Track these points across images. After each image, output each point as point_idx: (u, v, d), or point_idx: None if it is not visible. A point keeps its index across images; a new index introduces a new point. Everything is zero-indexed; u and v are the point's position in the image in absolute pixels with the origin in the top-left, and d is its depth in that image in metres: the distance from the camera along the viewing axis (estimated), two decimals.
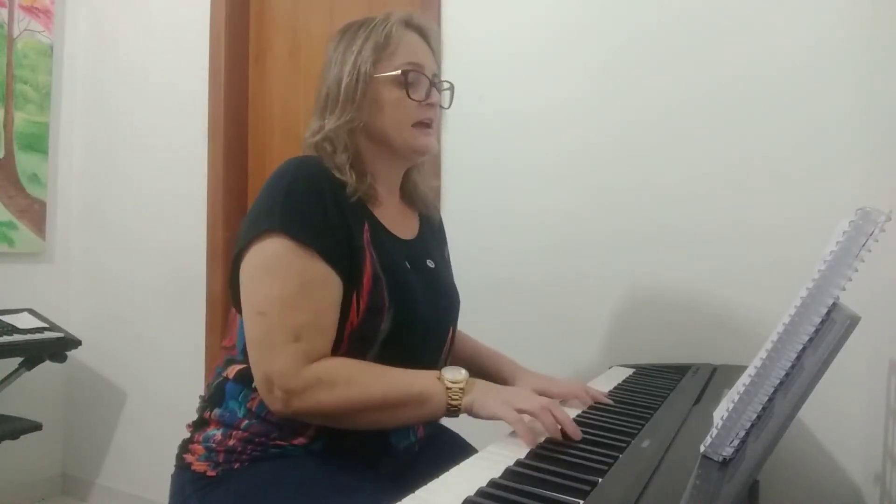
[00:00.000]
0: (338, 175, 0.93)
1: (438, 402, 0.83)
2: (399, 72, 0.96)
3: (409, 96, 0.96)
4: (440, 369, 0.87)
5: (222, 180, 2.11)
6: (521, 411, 0.79)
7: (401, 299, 0.92)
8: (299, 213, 0.86)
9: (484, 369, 1.13)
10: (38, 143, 2.38)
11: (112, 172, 2.42)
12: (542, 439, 0.77)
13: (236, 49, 2.16)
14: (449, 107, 1.10)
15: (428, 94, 0.98)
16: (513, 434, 0.79)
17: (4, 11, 2.27)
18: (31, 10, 2.35)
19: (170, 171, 2.26)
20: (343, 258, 0.87)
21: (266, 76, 2.15)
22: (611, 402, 0.97)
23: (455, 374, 0.85)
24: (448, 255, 1.21)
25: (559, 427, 0.77)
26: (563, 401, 0.99)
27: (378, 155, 0.99)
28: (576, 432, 0.77)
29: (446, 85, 1.07)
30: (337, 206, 0.89)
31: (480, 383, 0.86)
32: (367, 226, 0.93)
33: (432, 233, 1.14)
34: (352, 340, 0.89)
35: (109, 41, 2.45)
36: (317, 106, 1.00)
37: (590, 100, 1.51)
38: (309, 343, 0.83)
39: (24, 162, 2.33)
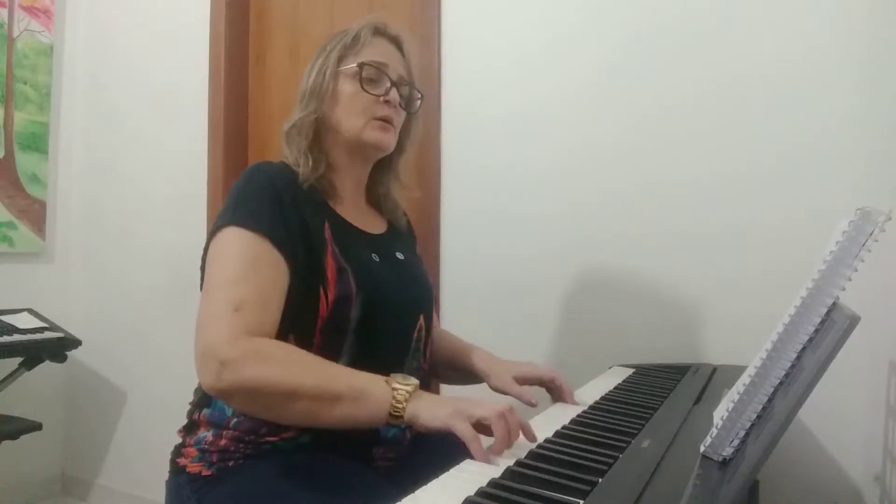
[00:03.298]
0: (295, 168, 0.97)
1: (379, 401, 0.76)
2: (356, 65, 1.00)
3: (362, 89, 0.99)
4: (409, 358, 0.87)
5: (222, 180, 2.11)
6: (475, 420, 0.73)
7: (369, 285, 0.93)
8: (251, 205, 0.89)
9: (460, 367, 1.13)
10: (38, 143, 2.38)
11: (112, 172, 2.42)
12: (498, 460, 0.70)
13: (236, 49, 2.16)
14: (415, 112, 1.10)
15: (386, 92, 1.00)
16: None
17: (4, 11, 2.27)
18: (31, 10, 2.35)
19: (170, 171, 2.25)
20: (294, 246, 0.88)
21: (266, 76, 2.15)
22: (577, 402, 0.98)
23: (405, 379, 0.80)
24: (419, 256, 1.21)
25: (509, 435, 0.71)
26: (561, 400, 0.99)
27: (337, 147, 1.02)
28: (532, 436, 0.73)
29: (417, 95, 1.09)
30: (294, 203, 0.91)
31: (429, 394, 0.80)
32: (327, 223, 0.95)
33: (400, 234, 1.15)
34: (325, 334, 0.90)
35: (109, 41, 2.45)
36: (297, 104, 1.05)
37: (590, 100, 1.51)
38: (249, 316, 0.81)
39: (24, 162, 2.33)
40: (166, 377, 2.24)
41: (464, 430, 0.71)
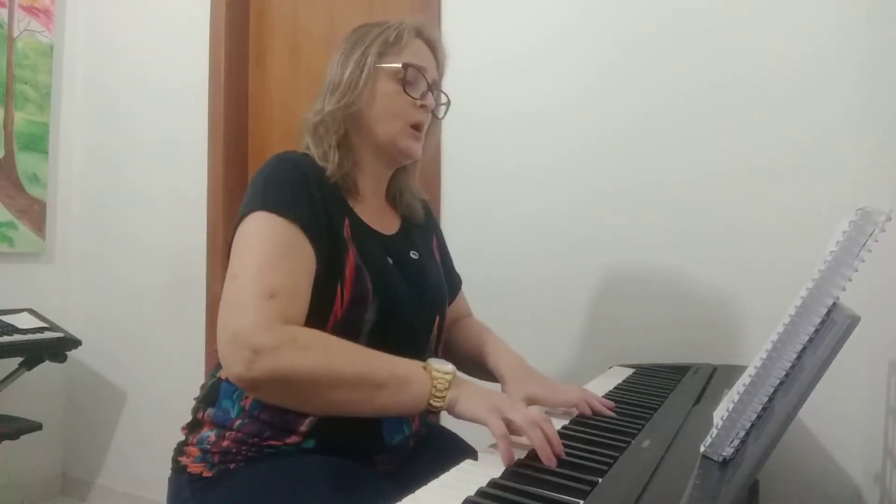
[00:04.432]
0: (320, 163, 0.95)
1: (421, 389, 0.78)
2: (400, 65, 0.98)
3: (405, 91, 0.98)
4: (426, 359, 0.86)
5: (222, 180, 2.11)
6: (507, 421, 0.73)
7: (384, 292, 0.92)
8: (280, 191, 0.87)
9: (484, 366, 1.09)
10: (38, 143, 2.38)
11: (112, 172, 2.42)
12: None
13: (236, 49, 2.16)
14: (442, 118, 1.11)
15: (423, 97, 1.00)
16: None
17: (4, 11, 2.27)
18: (31, 10, 2.35)
19: (170, 171, 2.26)
20: (321, 235, 0.87)
21: (266, 76, 2.15)
22: (613, 414, 0.91)
23: (443, 365, 0.81)
24: (438, 245, 1.19)
25: (548, 446, 0.69)
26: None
27: (365, 146, 1.01)
28: (560, 453, 0.70)
29: (444, 99, 1.09)
30: (320, 194, 0.90)
31: (469, 382, 0.82)
32: (347, 221, 0.94)
33: (416, 228, 1.13)
34: (336, 333, 0.87)
35: (109, 41, 2.45)
36: (321, 90, 1.02)
37: (590, 100, 1.51)
38: (283, 304, 0.79)
39: (24, 162, 2.33)
40: (166, 377, 2.24)
41: (496, 428, 0.72)
